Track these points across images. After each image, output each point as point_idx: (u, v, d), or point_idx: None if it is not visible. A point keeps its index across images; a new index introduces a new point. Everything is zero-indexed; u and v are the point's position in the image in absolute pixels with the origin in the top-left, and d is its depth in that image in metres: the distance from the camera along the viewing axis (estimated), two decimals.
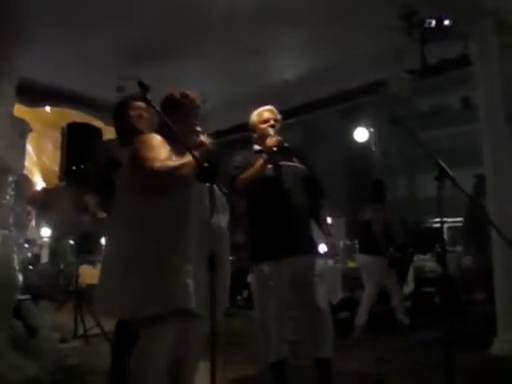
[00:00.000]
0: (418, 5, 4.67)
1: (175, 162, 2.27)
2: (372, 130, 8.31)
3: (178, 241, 2.28)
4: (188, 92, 2.56)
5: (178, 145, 2.35)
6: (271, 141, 3.06)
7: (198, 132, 2.44)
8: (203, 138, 2.39)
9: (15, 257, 4.19)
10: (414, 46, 4.88)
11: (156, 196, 2.27)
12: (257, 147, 3.30)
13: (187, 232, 2.32)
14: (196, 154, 2.21)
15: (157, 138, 2.33)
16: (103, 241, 11.38)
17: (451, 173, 2.34)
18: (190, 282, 2.24)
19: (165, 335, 2.22)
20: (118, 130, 3.28)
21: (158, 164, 2.18)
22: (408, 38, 4.81)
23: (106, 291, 2.30)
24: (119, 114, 3.24)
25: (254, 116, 3.38)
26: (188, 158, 2.24)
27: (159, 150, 2.27)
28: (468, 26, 4.89)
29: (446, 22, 4.66)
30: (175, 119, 2.31)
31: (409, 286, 6.57)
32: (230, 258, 8.00)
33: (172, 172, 2.21)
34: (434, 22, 4.66)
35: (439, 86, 8.06)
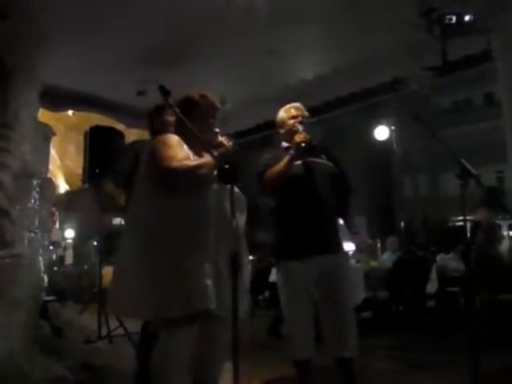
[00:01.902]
0: (438, 1, 4.63)
1: (194, 161, 2.28)
2: (393, 127, 8.23)
3: (196, 241, 2.24)
4: (207, 93, 2.55)
5: (195, 146, 2.37)
6: (299, 137, 3.02)
7: (216, 133, 2.43)
8: (222, 139, 2.38)
9: (41, 259, 4.26)
10: (435, 42, 4.83)
11: (174, 195, 2.25)
12: (285, 144, 3.28)
13: (206, 232, 2.27)
14: (215, 154, 2.23)
15: (175, 138, 2.34)
16: None
17: (474, 172, 2.31)
18: (210, 282, 2.20)
19: (185, 336, 2.21)
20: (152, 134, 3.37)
21: (176, 163, 2.20)
22: (428, 34, 4.76)
23: (123, 290, 2.28)
24: (153, 118, 3.35)
25: (282, 112, 3.33)
26: (207, 158, 2.26)
27: (178, 150, 2.27)
28: (490, 21, 4.81)
29: (467, 18, 4.60)
30: (193, 120, 2.30)
31: (432, 286, 6.50)
32: (252, 257, 8.08)
33: (190, 171, 2.22)
34: (454, 18, 4.60)
35: (461, 83, 7.98)
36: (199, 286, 2.18)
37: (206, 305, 2.17)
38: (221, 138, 2.39)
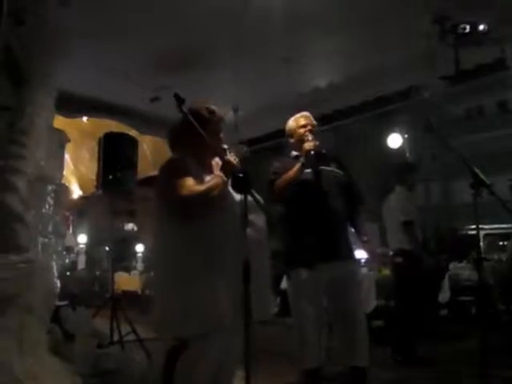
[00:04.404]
0: (452, 9, 4.61)
1: (203, 185, 2.27)
2: (406, 135, 8.19)
3: (212, 261, 2.25)
4: (214, 108, 2.55)
5: (206, 158, 2.38)
6: (309, 144, 3.07)
7: (224, 150, 2.42)
8: (230, 157, 2.37)
9: (54, 264, 4.29)
10: (448, 51, 4.82)
11: (187, 221, 2.26)
12: (294, 153, 3.31)
13: (223, 251, 2.28)
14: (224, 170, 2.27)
15: (179, 163, 2.34)
16: (138, 248, 11.60)
17: (487, 181, 2.31)
18: (226, 298, 2.21)
19: (209, 349, 2.23)
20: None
21: (186, 192, 2.20)
22: (441, 43, 4.75)
23: (154, 310, 2.36)
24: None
25: (291, 122, 3.39)
26: (215, 180, 2.27)
27: (185, 177, 2.26)
28: (504, 30, 4.80)
29: (481, 27, 4.59)
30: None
31: (445, 295, 6.45)
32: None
33: (202, 196, 2.22)
34: (468, 28, 4.59)
35: (475, 90, 7.92)
36: (216, 303, 2.20)
37: (222, 321, 2.20)
38: (229, 156, 2.38)
